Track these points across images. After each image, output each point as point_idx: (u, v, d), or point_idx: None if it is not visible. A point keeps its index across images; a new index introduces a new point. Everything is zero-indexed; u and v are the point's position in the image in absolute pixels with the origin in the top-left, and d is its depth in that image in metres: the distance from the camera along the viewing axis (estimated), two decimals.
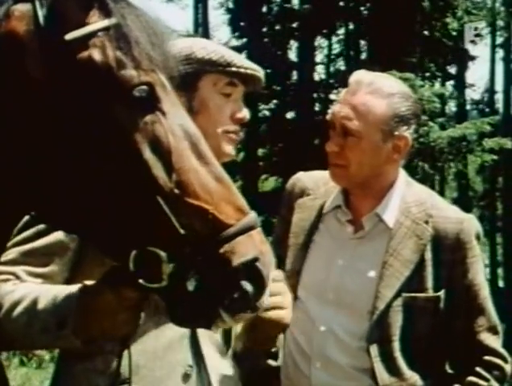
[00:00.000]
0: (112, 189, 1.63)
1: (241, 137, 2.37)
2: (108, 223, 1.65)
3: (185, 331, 2.13)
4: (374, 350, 2.44)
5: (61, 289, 1.99)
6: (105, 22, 1.64)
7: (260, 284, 1.62)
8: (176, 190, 1.62)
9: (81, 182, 1.63)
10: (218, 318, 1.63)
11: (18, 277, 2.06)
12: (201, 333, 2.16)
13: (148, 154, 1.62)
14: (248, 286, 1.61)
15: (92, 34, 1.64)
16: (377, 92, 2.47)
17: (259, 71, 2.34)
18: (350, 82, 2.52)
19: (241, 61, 2.31)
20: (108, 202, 1.63)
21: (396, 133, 2.48)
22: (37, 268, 2.07)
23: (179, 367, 2.12)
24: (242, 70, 2.28)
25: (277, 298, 2.20)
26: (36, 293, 1.99)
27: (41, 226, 2.03)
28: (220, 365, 2.22)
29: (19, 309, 1.97)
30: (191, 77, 2.25)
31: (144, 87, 1.63)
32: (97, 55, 1.63)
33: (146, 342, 2.09)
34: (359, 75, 2.54)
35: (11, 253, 2.02)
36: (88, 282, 1.89)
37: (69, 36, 1.63)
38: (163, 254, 1.61)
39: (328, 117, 2.54)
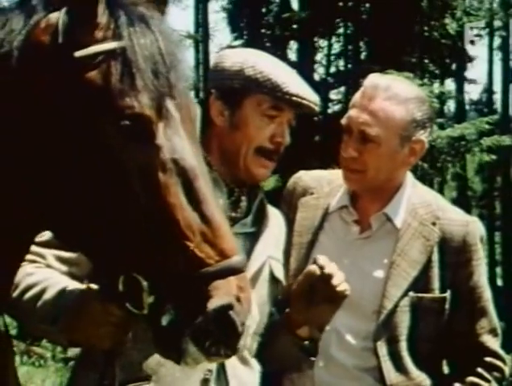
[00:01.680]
0: (103, 211, 1.63)
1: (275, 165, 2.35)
2: (100, 242, 1.66)
3: None
4: (382, 349, 2.46)
5: (69, 285, 2.02)
6: (113, 45, 1.64)
7: (230, 332, 1.61)
8: (160, 225, 1.62)
9: (75, 199, 1.65)
10: (188, 356, 1.63)
11: (45, 259, 2.10)
12: None
13: (136, 185, 1.62)
14: (218, 333, 1.60)
15: (99, 55, 1.63)
16: (395, 97, 2.47)
17: (308, 98, 2.28)
18: (366, 86, 2.52)
19: (290, 86, 2.25)
20: (101, 221, 1.64)
21: (413, 137, 2.50)
22: (66, 252, 2.09)
23: (199, 371, 2.14)
24: (287, 96, 2.24)
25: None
26: (48, 283, 2.03)
27: None
28: (240, 373, 2.24)
29: (29, 293, 2.02)
30: (237, 93, 2.26)
31: (138, 118, 1.61)
32: (98, 77, 1.63)
33: None
34: (374, 80, 2.54)
35: (45, 235, 2.04)
36: (93, 286, 1.92)
37: (78, 54, 1.64)
38: (144, 283, 1.63)
39: (343, 121, 2.53)
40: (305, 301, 2.28)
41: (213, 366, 2.16)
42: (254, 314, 2.19)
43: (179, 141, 1.66)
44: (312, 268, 2.26)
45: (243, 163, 2.29)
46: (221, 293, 1.60)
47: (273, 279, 2.38)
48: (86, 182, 1.63)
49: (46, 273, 2.07)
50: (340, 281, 2.24)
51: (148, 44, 1.65)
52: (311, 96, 2.30)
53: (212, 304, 1.59)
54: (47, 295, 2.00)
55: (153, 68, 1.64)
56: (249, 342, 1.71)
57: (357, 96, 2.54)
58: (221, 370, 2.20)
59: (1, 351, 1.92)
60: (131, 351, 2.07)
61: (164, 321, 1.63)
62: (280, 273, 2.41)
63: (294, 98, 2.24)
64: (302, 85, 2.31)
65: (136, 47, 1.64)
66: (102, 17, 1.66)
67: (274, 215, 2.47)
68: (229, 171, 2.32)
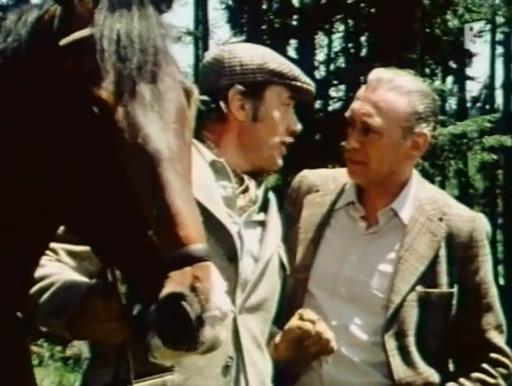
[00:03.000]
0: (88, 200, 1.64)
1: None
2: (90, 233, 1.67)
3: (227, 323, 2.17)
4: (390, 344, 2.47)
5: (77, 280, 2.05)
6: (86, 32, 1.64)
7: (183, 323, 1.53)
8: (123, 212, 1.60)
9: (68, 190, 1.66)
10: (153, 348, 1.59)
11: (56, 254, 2.11)
12: (241, 326, 2.23)
13: (106, 172, 1.60)
14: (171, 324, 1.54)
15: (77, 43, 1.64)
16: (398, 89, 2.50)
17: (314, 87, 2.46)
18: (370, 79, 2.54)
19: (303, 76, 2.41)
20: (88, 211, 1.65)
21: (416, 130, 2.51)
22: (77, 246, 2.10)
23: (220, 359, 2.19)
24: (305, 86, 2.40)
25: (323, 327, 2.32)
26: (56, 277, 2.04)
27: None
28: (257, 359, 2.29)
29: (37, 286, 2.03)
30: (259, 86, 2.33)
31: (102, 103, 1.61)
32: (73, 64, 1.64)
33: None
34: (378, 73, 2.57)
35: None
36: (98, 281, 1.93)
37: (62, 42, 1.65)
38: (117, 273, 1.64)
39: (347, 114, 2.56)
40: (294, 344, 2.36)
41: (234, 353, 2.22)
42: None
43: (144, 126, 1.62)
44: (306, 326, 2.32)
45: (267, 153, 2.37)
46: (174, 283, 1.54)
47: (282, 266, 2.44)
48: (72, 172, 1.64)
49: (56, 266, 2.10)
50: (330, 338, 2.33)
51: (119, 29, 1.64)
52: (312, 83, 2.47)
53: (162, 293, 1.54)
54: (54, 289, 2.03)
55: (120, 53, 1.63)
56: (224, 334, 1.65)
57: (361, 89, 2.58)
58: (240, 357, 2.25)
59: (20, 355, 1.93)
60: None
61: (135, 310, 1.61)
62: (286, 261, 2.48)
63: (309, 87, 2.42)
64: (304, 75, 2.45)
65: (105, 32, 1.63)
66: (88, 4, 1.67)
67: (275, 202, 2.53)
68: (247, 162, 2.37)
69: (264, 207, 2.41)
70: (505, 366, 2.60)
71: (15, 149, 1.70)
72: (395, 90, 2.50)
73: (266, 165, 2.39)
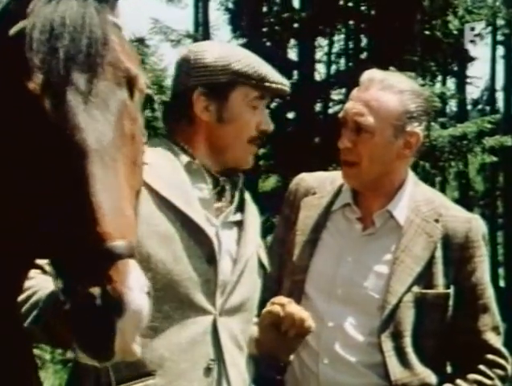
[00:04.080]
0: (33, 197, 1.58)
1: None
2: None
3: (208, 326, 2.20)
4: (387, 344, 2.47)
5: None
6: (23, 23, 1.60)
7: (94, 327, 1.45)
8: (49, 207, 1.54)
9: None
10: (75, 349, 1.50)
11: (43, 271, 2.08)
12: (221, 328, 2.22)
13: (37, 167, 1.55)
14: (82, 327, 1.46)
15: (19, 34, 1.60)
16: (389, 88, 2.51)
17: (284, 82, 2.40)
18: (362, 80, 2.56)
19: (272, 75, 2.36)
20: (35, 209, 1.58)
21: (408, 129, 2.51)
22: None
23: (202, 361, 2.18)
24: (274, 85, 2.35)
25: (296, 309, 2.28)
26: (39, 286, 2.04)
27: None
28: (238, 360, 2.28)
29: (23, 295, 2.02)
30: (224, 87, 2.30)
31: (31, 97, 1.56)
32: (7, 56, 1.60)
33: (171, 336, 2.15)
34: (371, 73, 2.58)
35: None
36: None
37: (11, 32, 1.61)
38: (48, 267, 1.58)
39: (340, 114, 2.57)
40: (272, 333, 2.32)
41: (215, 355, 2.21)
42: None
43: (73, 116, 1.56)
44: (275, 309, 2.30)
45: (236, 154, 2.35)
46: (87, 283, 1.45)
47: (261, 266, 2.42)
48: (12, 167, 1.59)
49: (44, 279, 2.08)
50: (305, 318, 2.29)
51: (53, 18, 1.59)
52: (284, 80, 2.42)
53: (74, 293, 1.46)
54: (35, 298, 2.03)
55: (51, 42, 1.58)
56: (139, 341, 1.56)
57: (354, 90, 2.59)
58: (221, 359, 2.23)
59: (25, 358, 1.90)
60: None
61: (66, 306, 1.50)
62: (266, 261, 2.45)
63: (279, 86, 2.37)
64: (274, 71, 2.41)
65: (37, 21, 1.59)
66: None
67: (251, 202, 2.52)
68: (217, 162, 2.36)
69: (241, 208, 2.40)
70: (501, 367, 2.60)
71: None
72: (387, 89, 2.51)
73: (235, 165, 2.37)
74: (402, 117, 2.50)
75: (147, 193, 2.18)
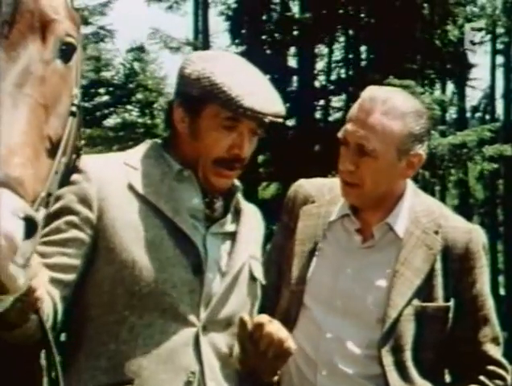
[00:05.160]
0: None
1: (239, 173, 2.30)
2: None
3: (190, 338, 2.15)
4: (387, 359, 2.44)
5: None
6: None
7: None
8: None
9: None
10: None
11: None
12: (204, 341, 2.17)
13: None
14: None
15: None
16: (393, 111, 2.47)
17: (264, 111, 2.20)
18: (363, 99, 2.51)
19: (246, 98, 2.17)
20: None
21: (412, 152, 2.49)
22: (50, 259, 2.06)
23: (183, 374, 2.13)
24: (241, 110, 2.16)
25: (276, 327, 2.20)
26: None
27: (60, 221, 2.08)
28: (219, 376, 2.22)
29: None
30: (196, 101, 2.22)
31: None
32: None
33: (151, 345, 2.10)
34: (372, 93, 2.53)
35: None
36: None
37: None
38: None
39: (340, 134, 2.52)
40: (250, 351, 2.24)
41: (196, 368, 2.15)
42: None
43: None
44: (244, 319, 2.21)
45: (202, 173, 2.27)
46: None
47: (252, 279, 2.35)
48: None
49: None
50: (284, 338, 2.21)
51: None
52: (269, 108, 2.22)
53: None
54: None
55: None
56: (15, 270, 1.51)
57: (354, 109, 2.53)
58: (201, 372, 2.17)
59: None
60: (114, 353, 2.09)
61: None
62: (259, 273, 2.39)
63: (248, 112, 2.17)
64: (260, 96, 2.22)
65: None
66: None
67: (252, 213, 2.45)
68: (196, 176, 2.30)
69: (236, 218, 2.34)
70: (501, 378, 2.57)
71: None
72: (390, 113, 2.46)
73: (204, 184, 2.28)
74: (407, 140, 2.48)
75: (135, 199, 2.17)
